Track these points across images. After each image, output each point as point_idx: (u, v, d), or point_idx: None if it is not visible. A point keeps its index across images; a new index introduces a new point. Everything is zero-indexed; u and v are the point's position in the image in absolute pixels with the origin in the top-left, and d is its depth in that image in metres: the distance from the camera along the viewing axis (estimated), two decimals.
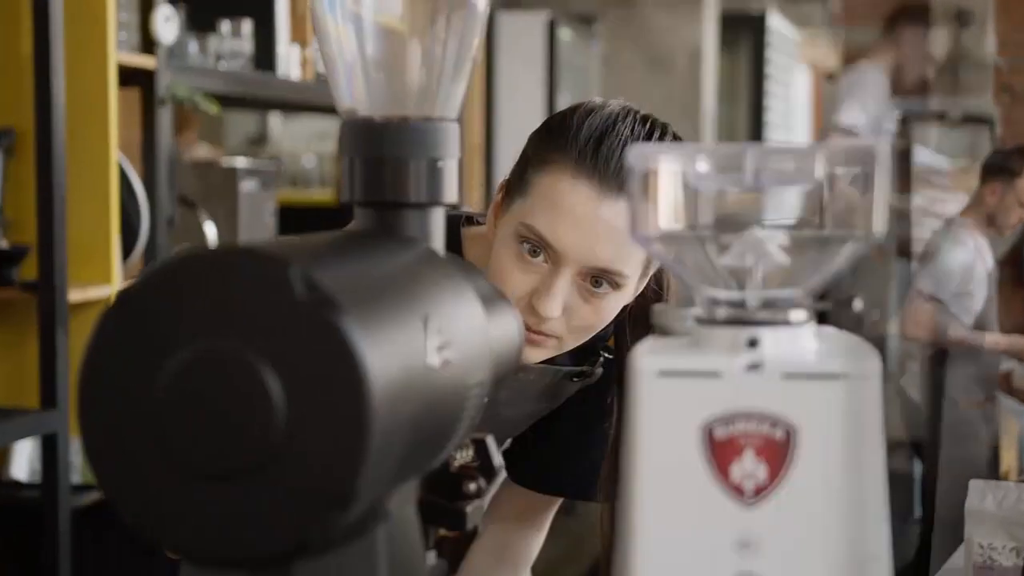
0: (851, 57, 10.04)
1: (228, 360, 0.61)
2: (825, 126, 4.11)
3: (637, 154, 0.70)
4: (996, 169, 4.40)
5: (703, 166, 0.70)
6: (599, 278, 1.24)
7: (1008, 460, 4.59)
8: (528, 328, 1.24)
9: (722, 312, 0.70)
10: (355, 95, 0.81)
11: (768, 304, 0.70)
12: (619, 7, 5.74)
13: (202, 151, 4.30)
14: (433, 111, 0.81)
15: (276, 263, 0.62)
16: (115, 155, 2.52)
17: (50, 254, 2.38)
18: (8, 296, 2.46)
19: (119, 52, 2.59)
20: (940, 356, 4.43)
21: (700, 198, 0.71)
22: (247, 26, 3.07)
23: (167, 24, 2.66)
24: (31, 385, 2.42)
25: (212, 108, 2.74)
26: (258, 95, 3.25)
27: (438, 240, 0.81)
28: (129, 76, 2.66)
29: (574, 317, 1.25)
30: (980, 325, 4.36)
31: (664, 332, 0.76)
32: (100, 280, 2.54)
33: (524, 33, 5.55)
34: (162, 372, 0.62)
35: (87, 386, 0.63)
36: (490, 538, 1.55)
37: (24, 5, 2.45)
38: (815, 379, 0.67)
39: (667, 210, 0.71)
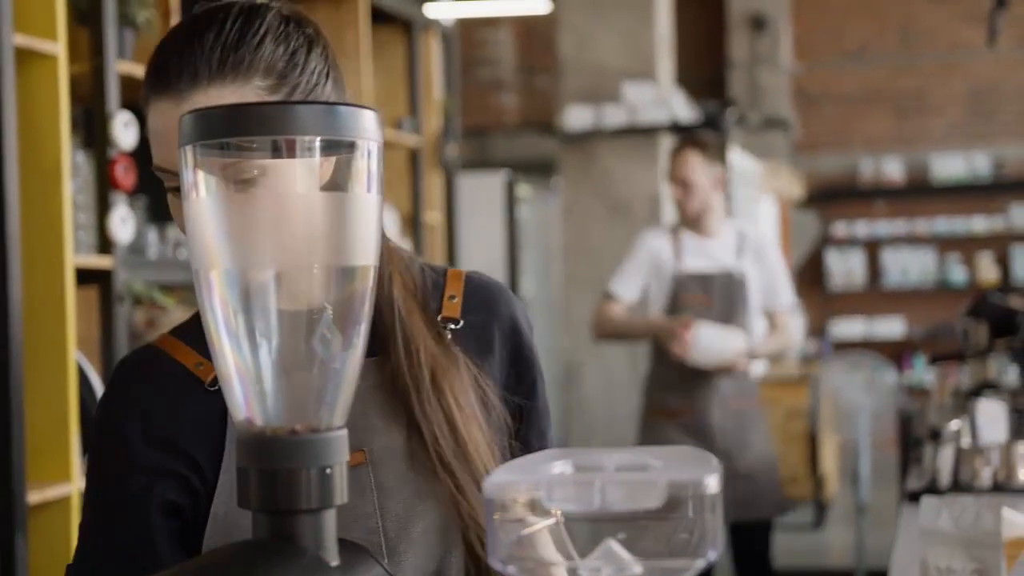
0: (813, 183, 10.29)
1: None
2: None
3: (494, 484, 0.76)
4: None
5: (557, 493, 0.76)
6: None
7: None
8: None
9: None
10: (249, 406, 0.88)
11: None
12: (578, 158, 5.89)
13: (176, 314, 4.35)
14: (320, 422, 0.87)
15: None
16: (73, 355, 2.58)
17: (8, 458, 2.42)
18: None
19: (77, 254, 2.67)
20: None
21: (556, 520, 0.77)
22: None
23: (123, 225, 2.75)
24: None
25: (168, 303, 2.82)
26: None
27: (329, 540, 0.86)
28: (87, 275, 2.74)
29: None
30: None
31: None
32: (59, 479, 2.58)
33: (484, 191, 5.69)
34: None
35: None
36: None
37: None
38: None
39: (523, 534, 0.77)
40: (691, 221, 4.14)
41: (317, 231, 0.87)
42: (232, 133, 0.85)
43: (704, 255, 4.12)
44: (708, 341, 3.94)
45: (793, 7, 10.38)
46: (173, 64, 1.19)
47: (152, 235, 3.05)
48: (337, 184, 0.88)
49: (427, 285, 1.32)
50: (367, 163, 0.87)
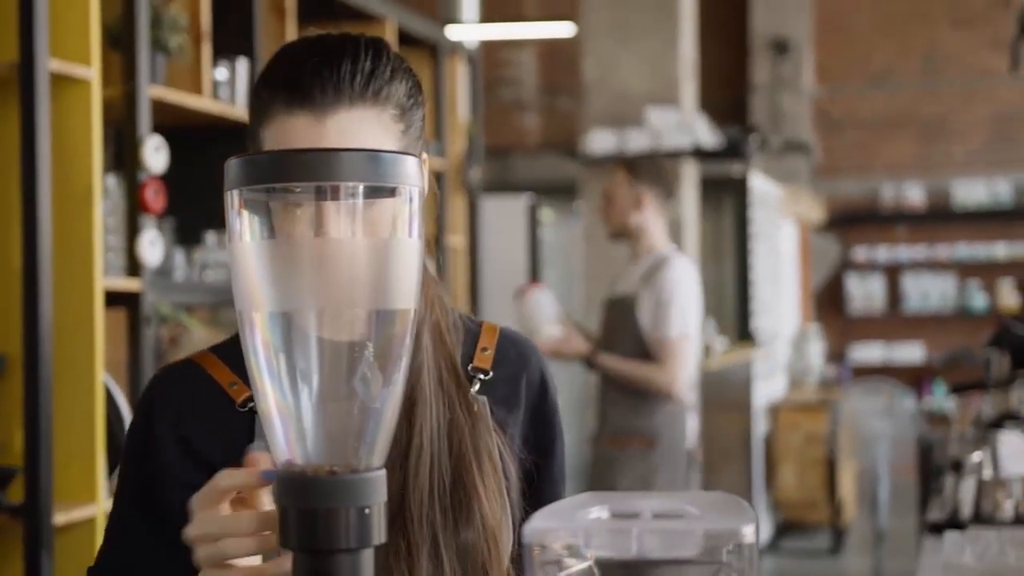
0: (834, 207, 10.27)
1: None
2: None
3: (533, 530, 0.78)
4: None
5: (594, 540, 0.77)
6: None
7: None
8: None
9: None
10: (289, 446, 0.89)
11: None
12: (601, 182, 5.89)
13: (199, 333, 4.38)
14: (360, 463, 0.88)
15: None
16: (100, 377, 2.61)
17: (36, 478, 2.44)
18: None
19: (106, 277, 2.69)
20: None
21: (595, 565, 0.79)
22: None
23: (152, 247, 2.77)
24: None
25: (193, 325, 2.84)
26: None
27: None
28: (116, 297, 2.77)
29: None
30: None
31: None
32: (85, 500, 2.60)
33: (507, 215, 5.71)
34: None
35: None
36: None
37: (14, 234, 2.56)
38: None
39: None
40: (614, 237, 4.21)
41: (359, 275, 0.88)
42: (278, 178, 0.87)
43: (622, 281, 4.17)
44: (528, 306, 3.99)
45: (816, 31, 10.38)
46: (312, 81, 1.19)
47: (179, 257, 3.07)
48: (378, 229, 0.89)
49: (459, 334, 1.32)
50: (408, 208, 0.88)
